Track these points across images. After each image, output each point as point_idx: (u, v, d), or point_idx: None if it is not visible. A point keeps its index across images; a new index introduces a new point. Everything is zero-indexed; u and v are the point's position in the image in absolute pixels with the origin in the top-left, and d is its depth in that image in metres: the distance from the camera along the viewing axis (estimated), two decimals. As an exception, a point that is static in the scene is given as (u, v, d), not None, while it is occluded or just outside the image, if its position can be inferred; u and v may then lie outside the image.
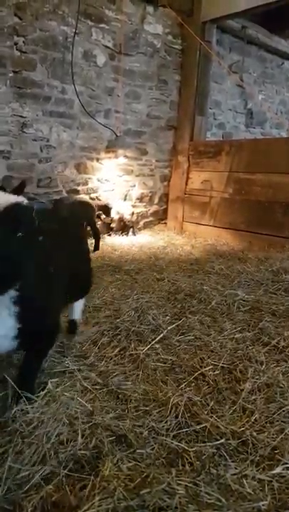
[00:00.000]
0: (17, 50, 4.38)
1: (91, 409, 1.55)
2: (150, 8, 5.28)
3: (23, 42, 4.40)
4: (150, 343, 2.17)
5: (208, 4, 5.19)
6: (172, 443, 1.41)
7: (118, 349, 2.11)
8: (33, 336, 1.55)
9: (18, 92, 4.46)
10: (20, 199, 1.35)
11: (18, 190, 1.50)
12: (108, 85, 5.16)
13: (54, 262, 1.66)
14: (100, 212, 5.41)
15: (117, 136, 5.27)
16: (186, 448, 1.40)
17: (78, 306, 2.34)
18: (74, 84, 4.75)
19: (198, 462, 1.38)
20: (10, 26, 4.27)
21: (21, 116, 4.55)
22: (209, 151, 5.43)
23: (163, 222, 6.23)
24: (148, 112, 5.64)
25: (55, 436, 1.39)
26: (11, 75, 4.38)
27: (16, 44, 4.36)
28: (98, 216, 5.37)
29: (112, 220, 5.47)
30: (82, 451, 1.34)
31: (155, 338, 2.22)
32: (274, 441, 1.49)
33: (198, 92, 5.58)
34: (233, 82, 6.49)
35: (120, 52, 5.13)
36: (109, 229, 5.52)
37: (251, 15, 5.33)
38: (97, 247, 4.55)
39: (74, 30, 4.61)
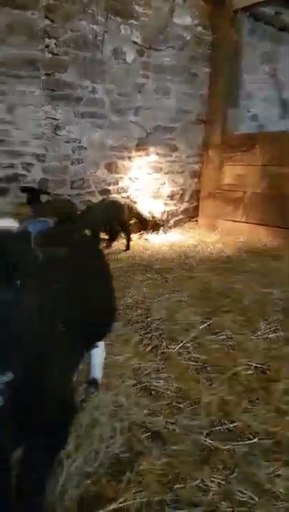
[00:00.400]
0: (48, 52, 4.48)
1: (127, 405, 1.59)
2: (179, 0, 5.21)
3: (55, 44, 4.50)
4: (182, 341, 2.19)
5: (239, -8, 5.04)
6: (205, 441, 1.43)
7: (150, 347, 2.14)
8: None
9: (51, 95, 4.57)
10: (8, 223, 1.01)
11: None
12: (137, 82, 5.16)
13: (64, 313, 1.12)
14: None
15: (147, 133, 5.27)
16: (219, 446, 1.42)
17: (97, 355, 1.69)
18: (103, 83, 4.79)
19: (231, 460, 1.39)
20: (41, 29, 4.37)
21: (54, 119, 4.65)
22: (243, 144, 5.29)
23: (194, 219, 6.16)
24: (178, 106, 5.59)
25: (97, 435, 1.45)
26: (43, 77, 4.49)
27: (47, 46, 4.46)
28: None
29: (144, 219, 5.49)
30: (120, 448, 1.39)
31: (187, 336, 2.24)
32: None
33: (229, 84, 5.46)
34: (266, 73, 6.29)
35: (149, 48, 5.11)
36: (140, 228, 5.54)
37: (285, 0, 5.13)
38: (128, 247, 4.60)
39: (103, 28, 4.64)
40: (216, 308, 2.71)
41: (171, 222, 5.95)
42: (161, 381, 1.82)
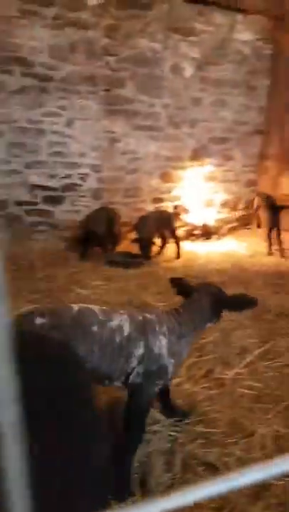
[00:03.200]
0: (108, 69, 4.66)
1: (181, 434, 1.66)
2: (240, 16, 5.18)
3: (114, 61, 4.67)
4: (236, 366, 2.21)
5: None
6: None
7: (204, 371, 2.18)
8: None
9: (109, 109, 4.76)
10: None
11: None
12: (195, 95, 5.20)
13: None
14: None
15: (202, 144, 5.30)
16: (273, 481, 1.44)
17: None
18: (161, 98, 4.89)
19: (284, 496, 1.41)
20: (101, 47, 4.57)
21: (111, 132, 4.84)
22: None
23: (248, 227, 6.09)
24: (234, 118, 5.55)
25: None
26: (102, 93, 4.69)
27: (107, 63, 4.64)
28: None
29: (195, 226, 5.54)
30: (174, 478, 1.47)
31: (241, 361, 2.25)
32: None
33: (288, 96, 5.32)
34: None
35: (208, 62, 5.13)
36: (192, 235, 5.59)
37: None
38: (178, 255, 4.65)
39: (162, 45, 4.73)
40: (273, 330, 2.68)
41: (225, 229, 5.92)
42: (215, 409, 1.86)
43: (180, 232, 5.33)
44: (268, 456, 1.59)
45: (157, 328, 1.56)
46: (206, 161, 5.48)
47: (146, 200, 5.33)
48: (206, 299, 1.68)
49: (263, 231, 5.82)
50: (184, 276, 3.89)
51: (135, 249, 4.59)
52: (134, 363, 1.51)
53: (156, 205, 5.38)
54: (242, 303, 1.73)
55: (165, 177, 5.35)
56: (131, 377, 1.51)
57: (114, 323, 1.52)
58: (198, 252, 4.93)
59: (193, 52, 5.03)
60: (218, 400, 1.95)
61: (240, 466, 1.55)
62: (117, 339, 1.49)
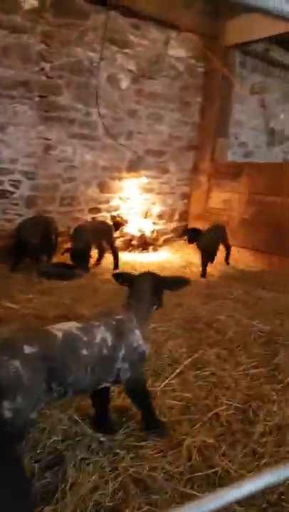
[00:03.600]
0: (43, 75, 4.58)
1: (118, 451, 1.65)
2: (174, 33, 5.41)
3: (50, 67, 4.60)
4: (167, 377, 2.26)
5: (232, 30, 5.27)
6: (184, 490, 1.49)
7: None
8: None
9: (44, 116, 4.66)
10: None
11: None
12: (131, 108, 5.31)
13: None
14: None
15: (139, 156, 5.41)
16: (197, 494, 1.49)
17: None
18: (98, 108, 4.91)
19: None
20: (37, 53, 4.48)
21: (46, 139, 4.74)
22: (230, 172, 5.50)
23: (183, 238, 6.30)
24: (170, 132, 5.76)
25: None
26: (37, 99, 4.58)
27: (42, 69, 4.56)
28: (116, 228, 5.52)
29: (133, 236, 5.61)
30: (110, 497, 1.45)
31: (172, 372, 2.31)
32: (282, 486, 1.56)
33: (219, 114, 5.66)
34: (255, 103, 6.54)
35: (143, 76, 5.27)
36: (129, 245, 5.66)
37: (274, 39, 5.36)
38: (116, 266, 4.68)
39: (99, 55, 4.77)
40: (202, 340, 2.78)
41: (161, 240, 6.08)
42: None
43: (118, 243, 5.37)
44: (194, 466, 1.64)
45: (130, 325, 1.73)
46: (142, 172, 5.59)
47: (83, 209, 5.29)
48: (147, 283, 1.88)
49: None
50: (122, 287, 3.95)
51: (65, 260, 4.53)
52: (119, 363, 1.67)
53: (94, 215, 5.37)
54: (177, 282, 1.98)
55: (102, 187, 5.36)
56: (120, 375, 1.69)
57: (98, 339, 1.62)
58: (135, 263, 4.99)
59: (129, 65, 5.14)
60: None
61: (168, 480, 1.58)
62: (104, 352, 1.63)
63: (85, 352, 1.55)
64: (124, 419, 1.91)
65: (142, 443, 1.76)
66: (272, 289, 3.97)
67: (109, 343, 1.63)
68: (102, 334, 1.63)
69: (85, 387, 1.60)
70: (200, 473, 1.60)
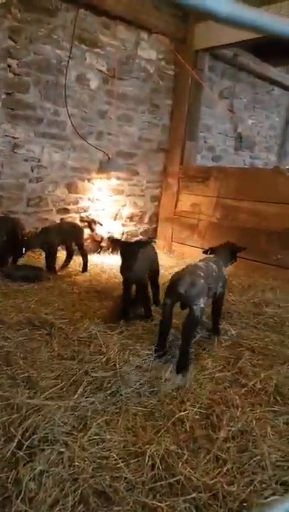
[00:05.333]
0: (10, 72, 4.45)
1: (78, 464, 1.61)
2: (144, 35, 5.40)
3: (17, 64, 4.47)
4: (136, 383, 2.24)
5: (201, 34, 5.33)
6: (145, 501, 1.48)
7: (103, 392, 2.16)
8: None
9: (11, 114, 4.53)
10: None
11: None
12: (101, 108, 5.25)
13: None
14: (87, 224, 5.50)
15: (109, 157, 5.36)
16: (159, 504, 1.48)
17: None
18: (67, 107, 4.83)
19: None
20: (4, 49, 4.34)
21: (13, 137, 4.61)
22: (199, 175, 5.56)
23: (153, 241, 6.31)
24: (140, 134, 5.75)
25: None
26: (3, 96, 4.44)
27: (9, 66, 4.43)
28: (91, 229, 5.46)
29: (102, 238, 5.55)
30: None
31: (141, 377, 2.29)
32: (244, 493, 1.58)
33: (188, 118, 5.71)
34: (224, 107, 6.65)
35: (114, 77, 5.23)
36: (99, 247, 5.60)
37: (242, 44, 5.47)
38: (85, 269, 4.62)
39: (68, 54, 4.69)
40: (171, 342, 2.77)
41: (131, 242, 6.05)
42: (110, 431, 1.85)
43: (88, 244, 5.30)
44: (156, 475, 1.62)
45: (221, 264, 3.02)
46: (113, 174, 5.54)
47: (51, 210, 5.18)
48: (226, 247, 3.32)
49: (166, 244, 6.13)
50: (90, 290, 3.89)
51: (39, 262, 4.43)
52: (220, 283, 2.90)
53: (62, 216, 5.28)
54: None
55: (71, 187, 5.27)
56: (219, 288, 2.91)
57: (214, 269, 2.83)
58: (104, 265, 4.94)
59: (98, 65, 5.08)
60: (113, 420, 1.94)
61: (131, 490, 1.56)
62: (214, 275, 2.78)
63: (214, 273, 2.78)
64: (87, 424, 1.88)
65: (105, 453, 1.73)
66: (237, 292, 4.04)
67: (216, 271, 2.82)
68: (214, 267, 2.82)
69: (213, 294, 2.82)
70: (162, 482, 1.59)
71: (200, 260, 2.94)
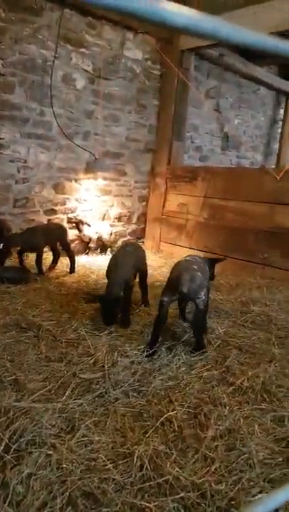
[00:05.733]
0: (-5, 71, 4.40)
1: (66, 466, 1.60)
2: (130, 35, 5.40)
3: (2, 65, 4.43)
4: (124, 383, 2.24)
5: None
6: (134, 502, 1.48)
7: (91, 394, 2.16)
8: None
9: (-4, 114, 4.48)
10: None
11: None
12: (87, 108, 5.23)
13: None
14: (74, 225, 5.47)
15: (96, 158, 5.34)
16: (147, 504, 1.48)
17: None
18: (52, 107, 4.80)
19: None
20: (-12, 49, 4.29)
21: (-2, 138, 4.56)
22: (186, 175, 5.58)
23: (141, 241, 6.32)
24: (127, 134, 5.74)
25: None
26: (-12, 96, 4.40)
27: (-6, 66, 4.38)
28: (79, 230, 5.43)
29: (90, 239, 5.53)
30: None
31: (130, 377, 2.29)
32: (231, 491, 1.59)
33: (175, 117, 5.73)
34: (210, 107, 6.69)
35: (100, 77, 5.22)
36: (87, 248, 5.58)
37: (228, 44, 5.50)
38: (72, 270, 4.59)
39: (53, 54, 4.67)
40: (160, 342, 2.77)
41: (119, 242, 6.04)
42: (98, 432, 1.85)
43: (76, 245, 5.28)
44: (145, 476, 1.63)
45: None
46: (100, 175, 5.53)
47: (38, 211, 5.14)
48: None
49: (155, 244, 6.14)
50: (78, 291, 3.87)
51: (26, 263, 4.39)
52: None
53: (49, 217, 5.25)
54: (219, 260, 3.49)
55: (58, 188, 5.24)
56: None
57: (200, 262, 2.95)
58: (93, 266, 4.92)
59: (84, 65, 5.06)
60: (101, 422, 1.94)
61: (118, 489, 1.56)
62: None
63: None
64: (75, 426, 1.87)
65: (93, 455, 1.72)
66: (225, 291, 4.07)
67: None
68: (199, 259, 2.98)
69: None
70: (151, 483, 1.59)
71: (185, 258, 3.00)
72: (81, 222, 5.45)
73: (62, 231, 4.64)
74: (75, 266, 4.62)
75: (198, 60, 6.22)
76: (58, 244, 4.60)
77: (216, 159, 7.11)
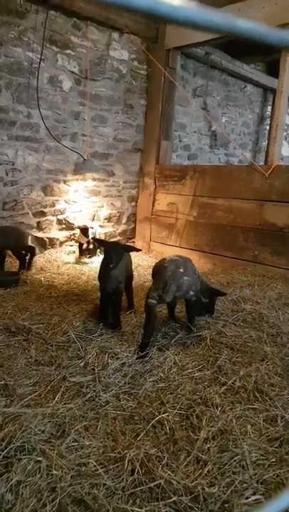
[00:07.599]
0: (-20, 74, 4.35)
1: (56, 473, 1.58)
2: (116, 35, 5.38)
3: (-13, 67, 4.38)
4: (115, 386, 2.22)
5: (172, 33, 5.34)
6: (125, 507, 1.46)
7: (81, 398, 2.13)
8: None
9: (-18, 117, 4.43)
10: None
11: None
12: (74, 109, 5.20)
13: None
14: (77, 233, 5.41)
15: (84, 159, 5.31)
16: (139, 510, 1.46)
17: None
18: (39, 109, 4.76)
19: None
20: (-27, 51, 4.24)
21: (-15, 141, 4.51)
22: (174, 175, 5.57)
23: (131, 241, 6.31)
24: (115, 135, 5.72)
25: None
26: (-26, 99, 4.35)
27: (-21, 69, 4.33)
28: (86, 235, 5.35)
29: (88, 242, 5.46)
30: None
31: (120, 379, 2.27)
32: (224, 494, 1.57)
33: (163, 117, 5.72)
34: (198, 106, 6.69)
35: (86, 78, 5.19)
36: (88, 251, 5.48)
37: (214, 43, 5.51)
38: (28, 267, 4.43)
39: (39, 56, 4.63)
40: (151, 343, 2.75)
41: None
42: (89, 436, 1.83)
43: (87, 250, 5.21)
44: (136, 480, 1.61)
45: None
46: (89, 176, 5.50)
47: (27, 213, 5.10)
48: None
49: (145, 244, 6.13)
50: (68, 293, 3.84)
51: (14, 266, 4.34)
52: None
53: (39, 219, 5.21)
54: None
55: (47, 190, 5.20)
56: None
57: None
58: (83, 268, 4.89)
59: (70, 66, 5.03)
60: (92, 426, 1.91)
61: (110, 495, 1.54)
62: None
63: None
64: (65, 431, 1.84)
65: (83, 460, 1.70)
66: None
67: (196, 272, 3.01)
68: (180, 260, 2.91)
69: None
70: (142, 487, 1.57)
71: (170, 257, 2.95)
72: (86, 227, 5.36)
73: (19, 234, 4.42)
74: (32, 262, 4.50)
75: (185, 59, 6.22)
76: (18, 248, 4.40)
77: (205, 158, 7.11)
